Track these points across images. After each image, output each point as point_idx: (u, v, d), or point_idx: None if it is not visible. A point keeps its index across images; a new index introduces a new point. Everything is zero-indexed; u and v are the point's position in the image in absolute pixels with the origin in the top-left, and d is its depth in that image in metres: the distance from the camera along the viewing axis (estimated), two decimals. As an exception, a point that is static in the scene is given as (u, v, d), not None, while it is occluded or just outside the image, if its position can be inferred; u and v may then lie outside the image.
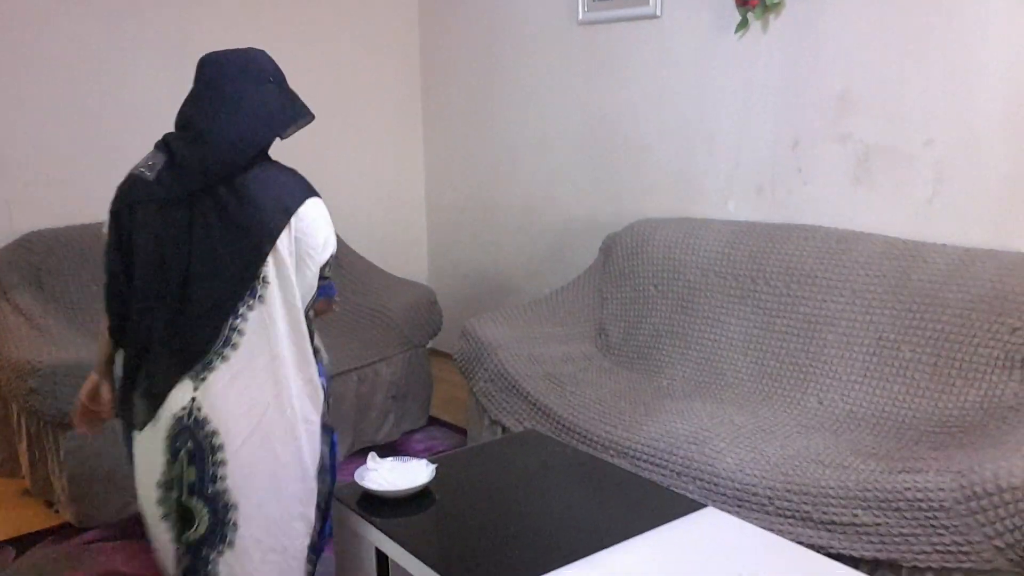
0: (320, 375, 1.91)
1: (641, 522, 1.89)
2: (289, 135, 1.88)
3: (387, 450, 3.30)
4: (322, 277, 1.87)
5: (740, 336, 2.86)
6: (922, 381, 2.41)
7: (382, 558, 1.95)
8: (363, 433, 3.48)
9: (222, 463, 1.75)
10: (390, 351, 3.52)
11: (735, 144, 3.18)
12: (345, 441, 3.43)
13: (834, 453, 2.22)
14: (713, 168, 3.27)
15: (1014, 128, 2.49)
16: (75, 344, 2.93)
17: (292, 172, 1.90)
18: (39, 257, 3.27)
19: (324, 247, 1.84)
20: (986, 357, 2.31)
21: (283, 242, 1.75)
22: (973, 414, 2.27)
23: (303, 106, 1.88)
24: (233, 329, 1.74)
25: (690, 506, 1.97)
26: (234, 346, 1.74)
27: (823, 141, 2.92)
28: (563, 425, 2.67)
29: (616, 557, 1.74)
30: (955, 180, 2.62)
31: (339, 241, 4.09)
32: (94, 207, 3.56)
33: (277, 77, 1.85)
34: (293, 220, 1.76)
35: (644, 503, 2.06)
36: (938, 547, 1.87)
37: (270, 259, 1.74)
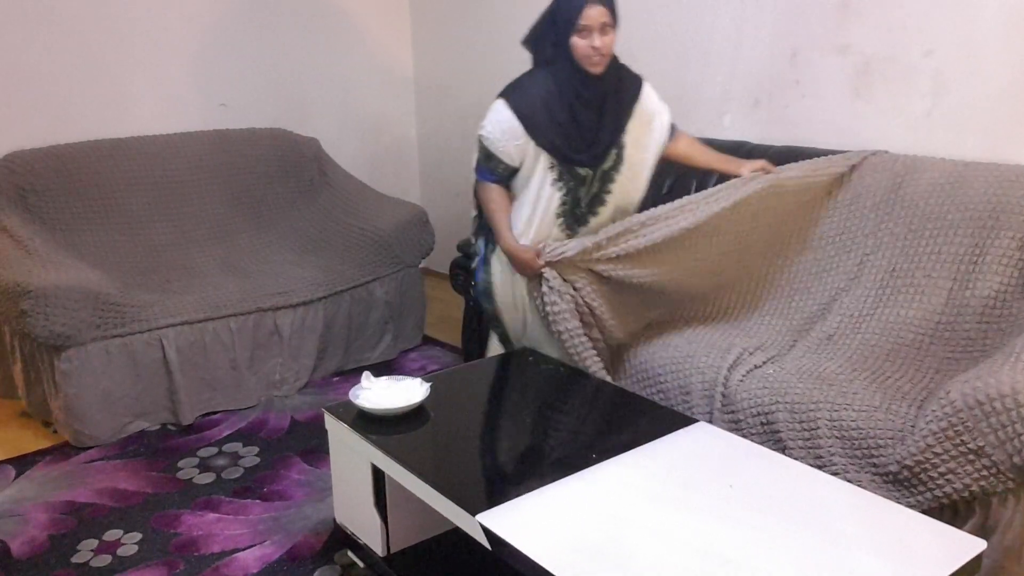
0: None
1: (633, 437, 1.91)
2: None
3: (382, 369, 3.32)
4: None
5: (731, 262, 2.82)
6: (932, 296, 2.38)
7: (378, 474, 1.98)
8: (358, 352, 3.50)
9: None
10: (383, 271, 3.51)
11: (731, 55, 3.10)
12: (338, 360, 3.45)
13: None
14: (708, 80, 3.20)
15: (1014, 38, 2.43)
16: (64, 265, 2.91)
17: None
18: (23, 178, 3.22)
19: None
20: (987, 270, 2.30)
21: None
22: (974, 328, 2.27)
23: None
24: None
25: (681, 421, 2.00)
26: None
27: (822, 52, 2.85)
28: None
29: (608, 471, 1.77)
30: (954, 92, 2.57)
31: (328, 160, 4.04)
32: (76, 126, 3.50)
33: None
34: None
35: (636, 419, 2.08)
36: (972, 475, 1.83)
37: None
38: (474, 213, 2.60)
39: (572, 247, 2.36)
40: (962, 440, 1.82)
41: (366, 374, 2.16)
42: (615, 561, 1.47)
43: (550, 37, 2.35)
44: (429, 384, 2.12)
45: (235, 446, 2.88)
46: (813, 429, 2.10)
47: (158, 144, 3.57)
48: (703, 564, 1.46)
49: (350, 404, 2.07)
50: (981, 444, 1.80)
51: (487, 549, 1.60)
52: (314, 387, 3.34)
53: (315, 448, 2.84)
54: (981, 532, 1.84)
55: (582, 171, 2.41)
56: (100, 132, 3.52)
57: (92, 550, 2.32)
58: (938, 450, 1.86)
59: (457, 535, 1.91)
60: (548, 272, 2.37)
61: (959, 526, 1.80)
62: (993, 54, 2.47)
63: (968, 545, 1.50)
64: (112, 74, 3.57)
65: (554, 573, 1.43)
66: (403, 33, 4.52)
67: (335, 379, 3.41)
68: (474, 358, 3.01)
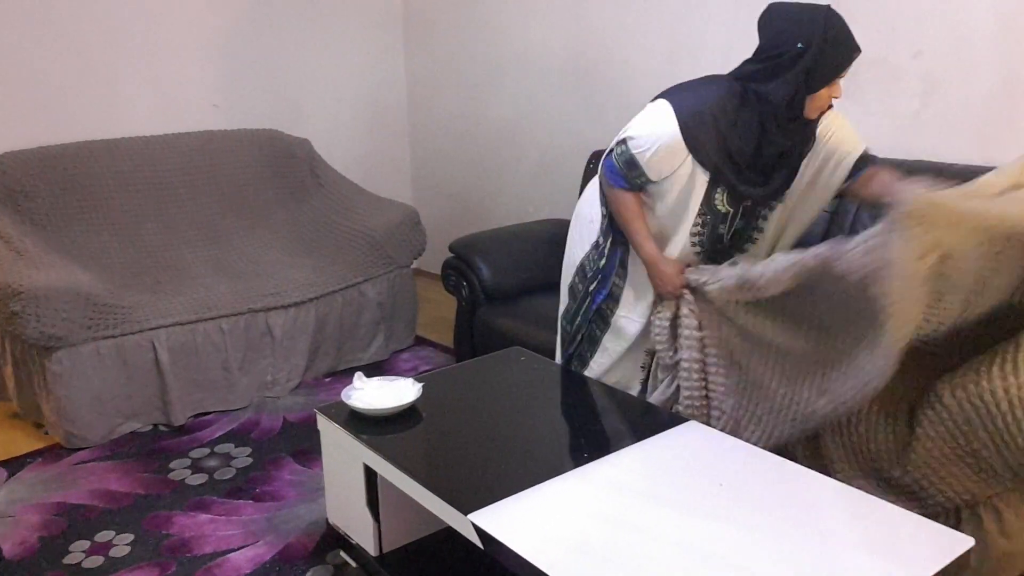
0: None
1: (624, 436, 1.92)
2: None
3: (374, 370, 3.33)
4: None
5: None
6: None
7: (370, 474, 1.98)
8: (350, 353, 3.50)
9: None
10: (375, 271, 3.51)
11: (723, 57, 3.10)
12: (330, 361, 3.45)
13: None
14: (700, 83, 3.20)
15: (1004, 40, 2.45)
16: (56, 267, 2.90)
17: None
18: (14, 179, 3.20)
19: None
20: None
21: None
22: (974, 333, 2.26)
23: None
24: None
25: (672, 420, 2.01)
26: None
27: (812, 54, 2.86)
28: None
29: (600, 470, 1.78)
30: (943, 93, 2.59)
31: (320, 161, 4.02)
32: (68, 126, 3.49)
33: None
34: None
35: (627, 418, 2.09)
36: (971, 477, 1.84)
37: None
38: (603, 212, 2.28)
39: (728, 278, 2.01)
40: (958, 443, 1.83)
41: (358, 374, 2.17)
42: (606, 559, 1.48)
43: (799, 85, 1.91)
44: (421, 384, 2.12)
45: (227, 447, 2.88)
46: (817, 436, 2.10)
47: (150, 145, 3.56)
48: (693, 562, 1.47)
49: (342, 404, 2.07)
50: (976, 447, 1.81)
51: (479, 548, 1.60)
52: (306, 388, 3.33)
53: (307, 449, 2.84)
54: (983, 534, 1.83)
55: (721, 208, 2.10)
56: (92, 133, 3.51)
57: (84, 551, 2.31)
58: (936, 454, 1.86)
59: (449, 534, 1.91)
60: (689, 297, 2.10)
61: (961, 529, 1.81)
62: (982, 55, 2.49)
63: (955, 542, 1.51)
64: (104, 75, 3.56)
65: (546, 571, 1.43)
66: (395, 35, 4.52)
67: (327, 380, 3.41)
68: (466, 358, 3.01)
